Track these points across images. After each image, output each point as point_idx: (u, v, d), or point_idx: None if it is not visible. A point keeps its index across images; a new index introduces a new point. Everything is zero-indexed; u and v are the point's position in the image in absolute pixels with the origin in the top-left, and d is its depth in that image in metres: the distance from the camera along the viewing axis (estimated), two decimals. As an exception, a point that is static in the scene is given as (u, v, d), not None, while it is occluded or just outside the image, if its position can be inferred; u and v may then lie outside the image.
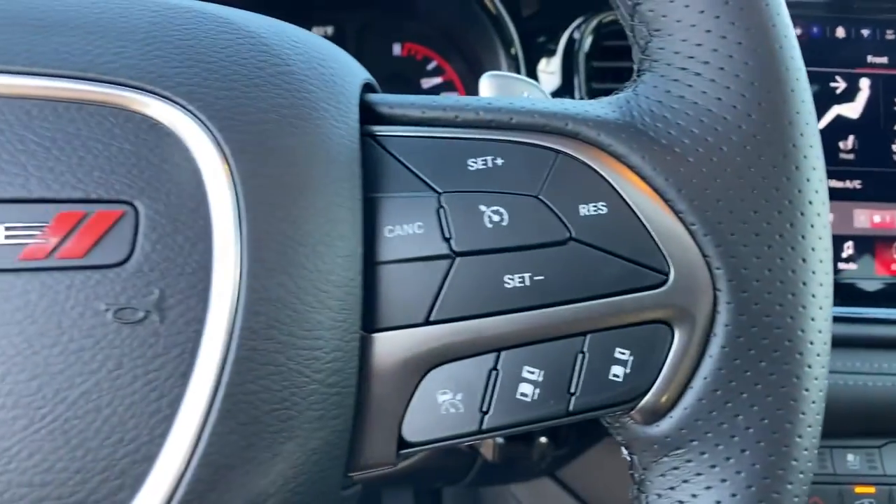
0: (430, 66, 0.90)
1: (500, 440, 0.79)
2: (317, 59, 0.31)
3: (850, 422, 0.73)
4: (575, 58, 0.74)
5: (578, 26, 0.75)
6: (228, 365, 0.26)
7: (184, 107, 0.26)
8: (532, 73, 0.77)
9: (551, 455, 0.86)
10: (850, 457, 0.76)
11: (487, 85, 0.42)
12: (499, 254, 0.30)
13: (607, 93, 0.34)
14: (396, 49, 0.90)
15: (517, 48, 0.74)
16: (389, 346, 0.30)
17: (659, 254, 0.30)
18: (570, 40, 0.75)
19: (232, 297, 0.26)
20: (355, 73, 0.32)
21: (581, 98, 0.75)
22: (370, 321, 0.30)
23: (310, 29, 0.32)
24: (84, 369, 0.25)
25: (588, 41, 0.74)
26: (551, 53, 0.76)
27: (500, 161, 0.31)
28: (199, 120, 0.26)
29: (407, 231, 0.30)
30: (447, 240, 0.30)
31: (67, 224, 0.25)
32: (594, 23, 0.74)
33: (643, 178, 0.31)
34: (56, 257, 0.25)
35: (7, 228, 0.25)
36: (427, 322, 0.30)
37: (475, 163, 0.31)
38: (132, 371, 0.25)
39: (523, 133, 0.31)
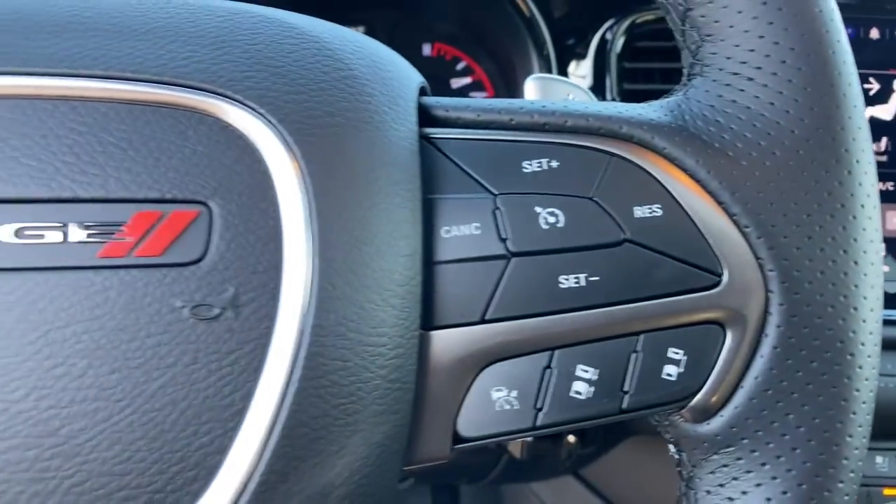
0: (460, 67, 0.91)
1: (528, 438, 0.79)
2: (377, 63, 0.31)
3: (879, 423, 0.72)
4: (607, 59, 0.74)
5: (610, 27, 0.76)
6: (300, 360, 0.26)
7: (255, 110, 0.27)
8: (563, 74, 0.77)
9: (577, 453, 0.87)
10: (878, 459, 0.76)
11: (533, 87, 0.42)
12: (554, 254, 0.31)
13: (639, 94, 0.35)
14: (426, 49, 0.90)
15: (549, 49, 0.74)
16: (446, 343, 0.31)
17: (713, 256, 0.31)
18: (602, 41, 0.76)
19: (303, 294, 0.26)
20: (411, 77, 0.33)
21: (613, 99, 0.76)
22: (428, 319, 0.30)
23: None
24: (161, 364, 0.26)
25: (620, 42, 0.74)
26: (582, 55, 0.77)
27: (554, 163, 0.32)
28: (270, 122, 0.27)
29: (464, 231, 0.31)
30: (503, 240, 0.31)
31: (145, 223, 0.26)
32: (626, 24, 0.75)
33: (697, 180, 0.31)
34: (134, 255, 0.26)
35: (87, 227, 0.26)
36: (483, 321, 0.31)
37: (530, 165, 0.32)
38: (207, 366, 0.26)
39: (578, 136, 0.32)
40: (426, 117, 0.33)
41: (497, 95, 0.90)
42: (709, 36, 0.33)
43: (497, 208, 0.31)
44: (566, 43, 0.76)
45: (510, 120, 0.32)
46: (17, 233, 0.25)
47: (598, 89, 0.75)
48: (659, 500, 0.95)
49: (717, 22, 0.32)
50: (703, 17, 0.33)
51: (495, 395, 0.31)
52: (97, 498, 0.25)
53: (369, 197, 0.28)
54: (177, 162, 0.26)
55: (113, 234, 0.26)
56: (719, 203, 0.31)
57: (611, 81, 0.74)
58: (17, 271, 0.25)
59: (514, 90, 0.83)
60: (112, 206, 0.26)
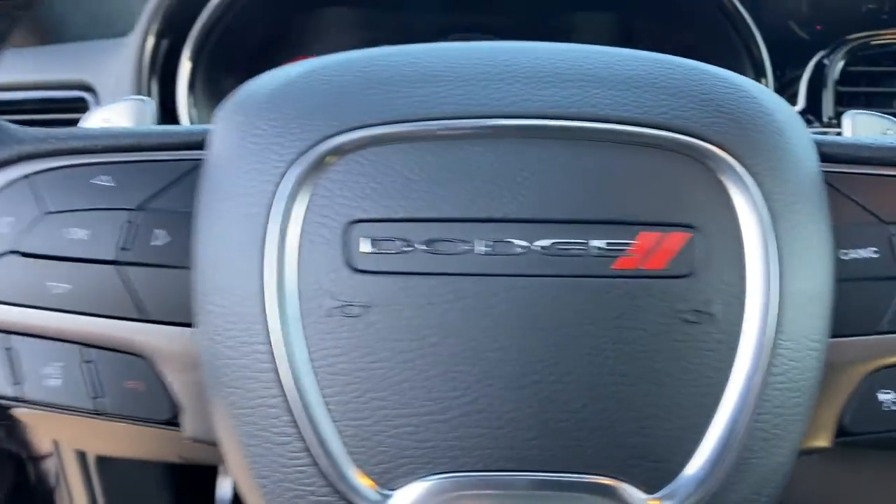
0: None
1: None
2: (784, 107, 0.37)
3: None
4: (824, 82, 0.78)
5: (829, 53, 0.79)
6: (765, 359, 0.32)
7: (724, 148, 0.33)
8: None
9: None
10: None
11: (850, 123, 0.47)
12: None
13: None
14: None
15: (768, 79, 0.78)
16: (841, 349, 0.36)
17: None
18: (818, 65, 0.79)
19: (765, 306, 0.32)
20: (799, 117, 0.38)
21: (828, 121, 0.79)
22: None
23: None
24: (659, 355, 0.32)
25: (839, 66, 0.78)
26: (796, 80, 0.80)
27: None
28: (735, 159, 0.33)
29: (861, 255, 0.36)
30: None
31: (649, 242, 0.32)
32: (848, 47, 0.78)
33: None
34: (642, 268, 0.32)
35: (604, 244, 0.32)
36: (876, 332, 0.36)
37: None
38: (690, 359, 0.32)
39: None
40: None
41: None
42: None
43: (893, 235, 0.36)
44: (786, 67, 0.80)
45: (893, 156, 0.37)
46: (550, 246, 0.32)
47: (811, 112, 0.79)
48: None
49: None
50: None
51: (883, 396, 0.36)
52: (609, 462, 0.32)
53: (806, 222, 0.34)
54: (668, 192, 0.32)
55: (624, 250, 0.32)
56: None
57: (826, 105, 0.78)
58: (547, 277, 0.32)
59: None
60: (622, 228, 0.32)
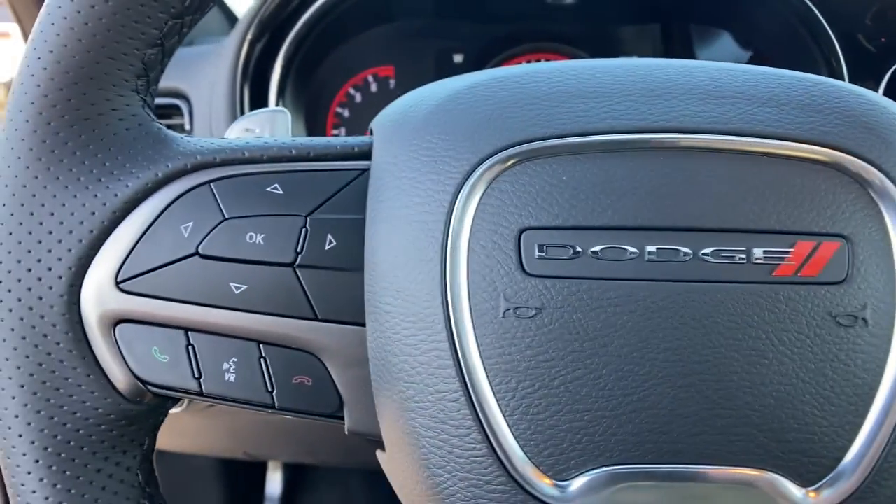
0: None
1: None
2: None
3: None
4: (901, 93, 0.80)
5: (905, 64, 0.81)
6: None
7: (870, 162, 0.35)
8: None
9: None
10: None
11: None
12: None
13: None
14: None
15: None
16: None
17: None
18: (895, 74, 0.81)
19: None
20: None
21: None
22: None
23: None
24: (812, 357, 0.34)
25: (916, 78, 0.80)
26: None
27: None
28: (885, 174, 0.35)
29: None
30: None
31: (805, 250, 0.34)
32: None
33: None
34: (799, 274, 0.34)
35: (764, 252, 0.34)
36: None
37: None
38: (843, 361, 0.34)
39: None
40: None
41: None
42: None
43: None
44: (861, 80, 0.82)
45: None
46: (714, 253, 0.34)
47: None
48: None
49: None
50: None
51: None
52: (768, 456, 0.34)
53: None
54: (824, 205, 0.34)
55: (783, 258, 0.34)
56: None
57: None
58: (711, 283, 0.34)
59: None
60: (781, 237, 0.34)
